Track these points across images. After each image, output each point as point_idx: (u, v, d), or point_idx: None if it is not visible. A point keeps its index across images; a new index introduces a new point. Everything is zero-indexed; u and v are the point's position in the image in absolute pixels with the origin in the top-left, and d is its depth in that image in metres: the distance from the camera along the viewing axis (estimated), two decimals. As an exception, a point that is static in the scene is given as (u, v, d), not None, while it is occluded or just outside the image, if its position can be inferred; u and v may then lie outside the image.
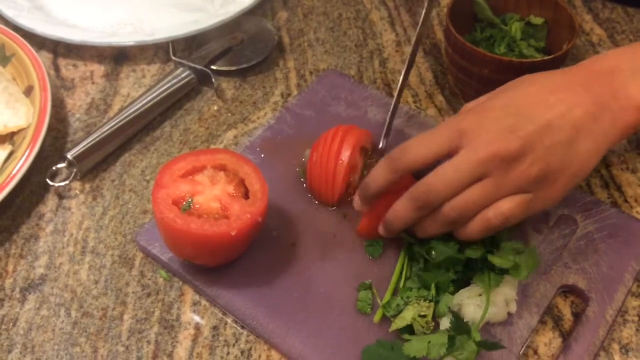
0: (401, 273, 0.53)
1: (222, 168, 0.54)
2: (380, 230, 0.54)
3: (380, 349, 0.49)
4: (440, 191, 0.48)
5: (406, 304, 0.51)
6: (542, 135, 0.48)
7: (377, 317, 0.51)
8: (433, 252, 0.50)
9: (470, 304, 0.50)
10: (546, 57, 0.63)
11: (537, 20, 0.68)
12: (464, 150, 0.48)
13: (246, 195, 0.53)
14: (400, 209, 0.51)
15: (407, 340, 0.48)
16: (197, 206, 0.51)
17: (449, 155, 0.49)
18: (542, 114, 0.49)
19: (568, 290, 0.54)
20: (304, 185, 0.61)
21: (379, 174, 0.52)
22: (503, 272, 0.49)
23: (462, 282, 0.51)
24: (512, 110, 0.49)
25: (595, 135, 0.50)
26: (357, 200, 0.54)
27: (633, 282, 0.54)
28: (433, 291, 0.51)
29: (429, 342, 0.47)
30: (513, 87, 0.52)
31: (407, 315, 0.50)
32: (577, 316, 0.53)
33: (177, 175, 0.52)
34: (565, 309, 0.54)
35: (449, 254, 0.50)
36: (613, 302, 0.52)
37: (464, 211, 0.48)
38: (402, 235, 0.54)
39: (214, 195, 0.52)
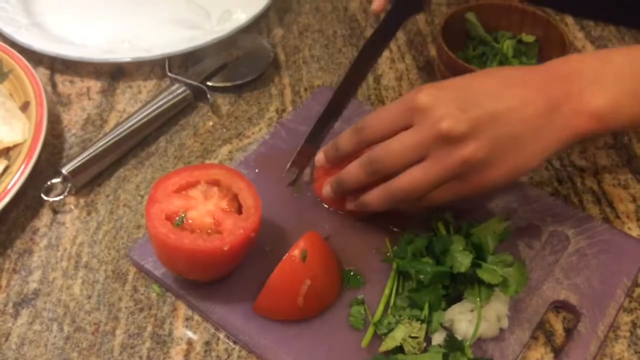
0: (391, 292, 0.53)
1: (215, 183, 0.54)
2: (329, 188, 0.57)
3: (376, 365, 0.49)
4: (385, 162, 0.52)
5: (398, 322, 0.51)
6: (488, 123, 0.49)
7: (367, 337, 0.51)
8: (421, 276, 0.50)
9: (462, 319, 0.50)
10: (537, 75, 0.63)
11: (529, 38, 0.69)
12: (412, 127, 0.51)
13: (239, 211, 0.53)
14: (352, 170, 0.54)
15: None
16: (190, 221, 0.51)
17: (404, 129, 0.51)
18: (493, 103, 0.50)
19: (560, 306, 0.54)
20: (299, 198, 0.61)
21: (345, 140, 0.56)
22: (492, 284, 0.49)
23: (453, 298, 0.52)
24: (465, 95, 0.50)
25: (543, 134, 0.51)
26: (320, 157, 0.58)
27: (625, 298, 0.54)
28: (426, 311, 0.51)
29: None
30: (471, 76, 0.53)
31: (398, 336, 0.50)
32: (569, 332, 0.53)
33: (170, 190, 0.53)
34: (557, 325, 0.54)
35: (433, 270, 0.50)
36: (605, 318, 0.52)
37: (407, 190, 0.52)
38: (388, 259, 0.55)
39: (207, 211, 0.52)
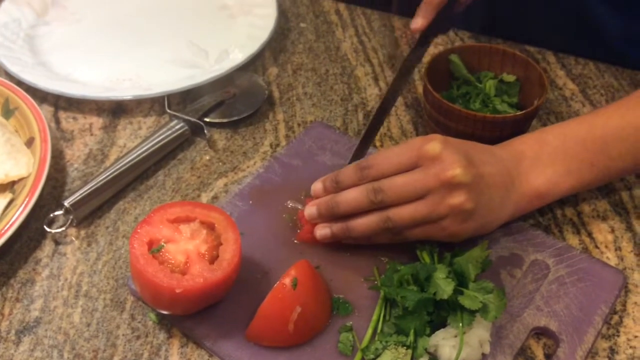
0: (379, 319, 0.55)
1: (210, 226, 0.56)
2: (314, 210, 0.59)
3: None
4: (388, 194, 0.56)
5: (384, 348, 0.53)
6: (479, 182, 0.55)
7: (356, 360, 0.53)
8: (406, 303, 0.53)
9: (446, 345, 0.52)
10: (518, 113, 0.67)
11: (510, 78, 0.73)
12: (419, 169, 0.55)
13: (214, 260, 0.54)
14: (354, 194, 0.57)
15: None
16: (161, 253, 0.53)
17: (407, 171, 0.56)
18: (485, 167, 0.57)
19: (540, 332, 0.57)
20: (291, 229, 0.63)
21: (347, 176, 0.58)
22: (474, 311, 0.52)
23: (438, 324, 0.54)
24: (466, 153, 0.56)
25: (504, 205, 0.59)
26: (318, 185, 0.61)
27: (602, 324, 0.56)
28: (411, 337, 0.53)
29: None
30: (465, 141, 0.58)
31: None
32: (549, 357, 0.55)
33: (166, 218, 0.55)
34: (538, 350, 0.56)
35: (417, 297, 0.52)
36: (583, 344, 0.55)
37: (399, 221, 0.56)
38: (375, 287, 0.58)
39: (185, 249, 0.54)
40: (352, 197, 0.57)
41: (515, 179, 0.59)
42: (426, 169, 0.55)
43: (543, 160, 0.60)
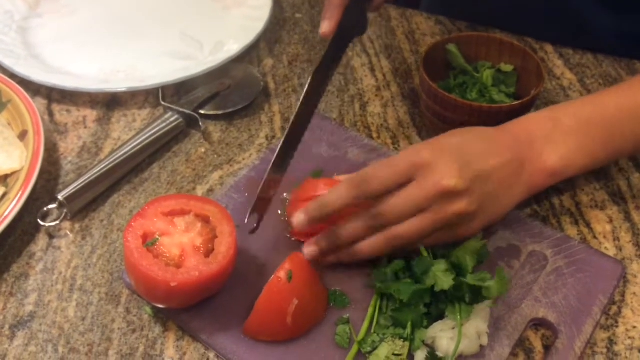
0: (375, 311, 0.55)
1: (205, 219, 0.55)
2: (316, 248, 0.57)
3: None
4: (390, 217, 0.55)
5: (382, 340, 0.53)
6: (478, 182, 0.55)
7: (350, 355, 0.53)
8: (400, 295, 0.52)
9: (444, 337, 0.52)
10: (514, 103, 0.66)
11: (507, 67, 0.72)
12: (416, 182, 0.54)
13: (209, 254, 0.53)
14: (353, 226, 0.56)
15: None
16: (156, 246, 0.53)
17: (404, 184, 0.55)
18: (483, 165, 0.56)
19: (538, 324, 0.56)
20: (287, 221, 0.63)
21: (340, 197, 0.56)
22: (472, 302, 0.51)
23: (435, 316, 0.54)
24: (461, 155, 0.55)
25: (512, 190, 0.58)
26: (302, 218, 0.57)
27: (601, 315, 0.56)
28: (408, 329, 0.53)
29: None
30: (461, 137, 0.58)
31: (381, 353, 0.52)
32: (548, 348, 0.55)
33: (160, 211, 0.55)
34: (536, 342, 0.56)
35: (411, 289, 0.52)
36: (582, 335, 0.54)
37: (406, 238, 0.55)
38: (370, 282, 0.57)
39: (180, 242, 0.53)
40: (352, 228, 0.56)
41: (527, 160, 0.58)
42: (421, 181, 0.54)
43: (556, 138, 0.59)
